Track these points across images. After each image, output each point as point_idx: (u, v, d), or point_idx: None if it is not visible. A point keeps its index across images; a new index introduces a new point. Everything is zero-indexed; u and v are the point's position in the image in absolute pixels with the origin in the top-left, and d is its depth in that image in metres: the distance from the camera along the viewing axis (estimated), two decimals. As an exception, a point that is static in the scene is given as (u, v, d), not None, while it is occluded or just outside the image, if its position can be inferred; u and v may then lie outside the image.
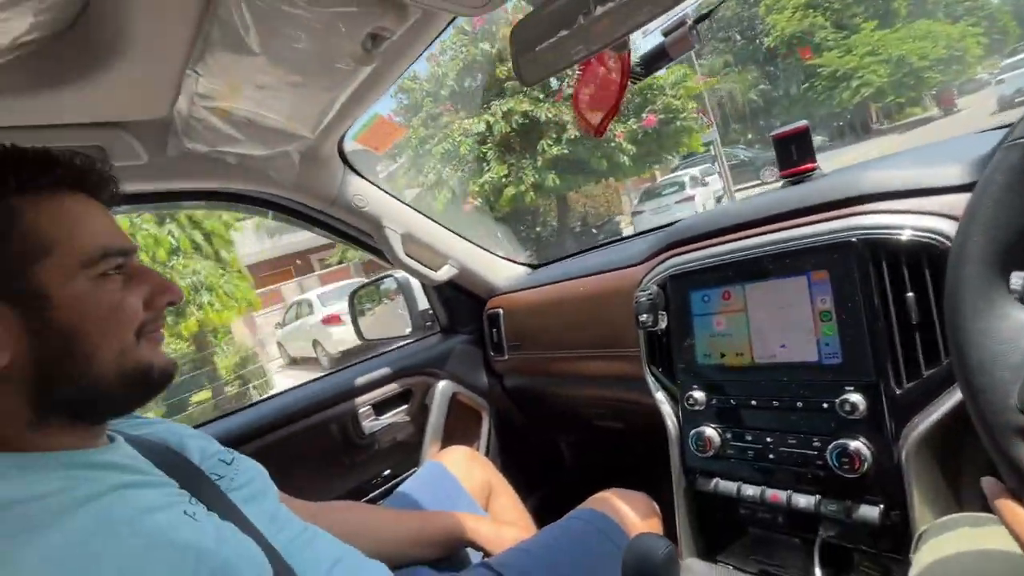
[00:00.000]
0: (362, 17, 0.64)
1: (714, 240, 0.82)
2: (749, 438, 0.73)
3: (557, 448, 1.53)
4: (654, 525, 0.84)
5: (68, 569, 0.39)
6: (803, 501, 0.67)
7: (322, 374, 1.28)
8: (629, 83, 0.70)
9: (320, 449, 1.16)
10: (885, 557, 0.66)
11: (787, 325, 0.70)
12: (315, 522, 0.70)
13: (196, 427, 1.06)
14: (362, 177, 1.14)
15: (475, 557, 0.92)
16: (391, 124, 1.06)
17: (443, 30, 0.74)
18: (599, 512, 0.82)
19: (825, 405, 0.65)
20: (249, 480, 0.65)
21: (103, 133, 0.78)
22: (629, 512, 0.83)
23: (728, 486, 0.75)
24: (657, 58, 0.71)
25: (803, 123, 0.80)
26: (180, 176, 0.93)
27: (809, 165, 0.80)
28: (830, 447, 0.63)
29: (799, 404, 0.68)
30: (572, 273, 1.19)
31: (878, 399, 0.61)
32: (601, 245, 1.43)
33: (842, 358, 0.65)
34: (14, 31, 0.54)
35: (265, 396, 1.20)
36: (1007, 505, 0.36)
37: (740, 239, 0.77)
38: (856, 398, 0.62)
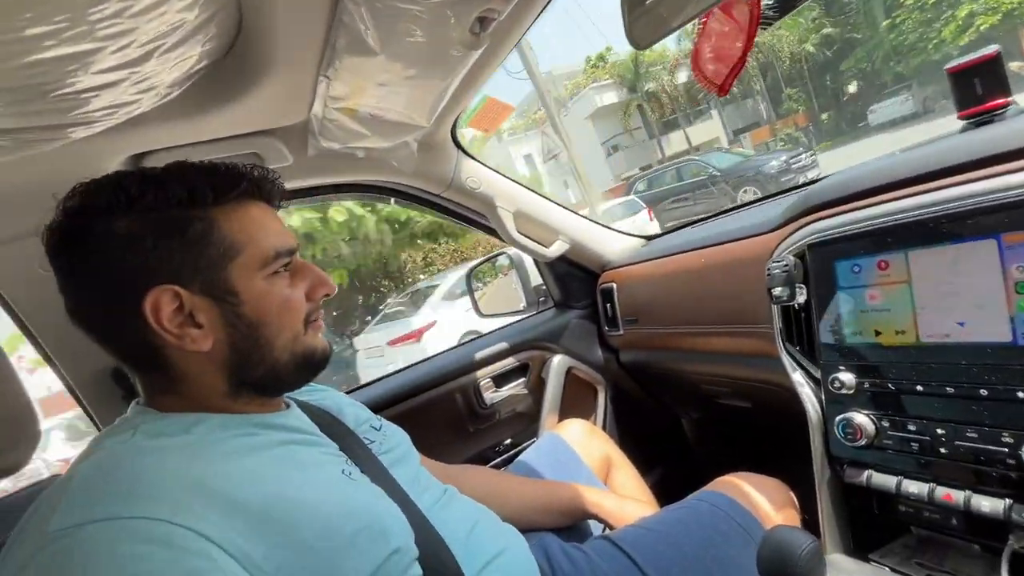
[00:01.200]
0: (469, 2, 0.64)
1: (869, 200, 0.70)
2: (912, 428, 0.63)
3: (678, 425, 1.48)
4: (790, 516, 0.78)
5: (251, 486, 0.47)
6: (988, 505, 0.57)
7: (447, 348, 1.37)
8: (760, 30, 0.62)
9: (447, 417, 1.25)
10: None
11: (968, 298, 0.59)
12: (451, 483, 0.75)
13: (348, 392, 1.22)
14: (474, 159, 1.17)
15: (595, 528, 0.93)
16: (500, 104, 1.07)
17: (546, 6, 0.71)
18: (729, 497, 0.78)
19: (1021, 394, 0.54)
20: (396, 445, 0.72)
21: (257, 141, 0.90)
22: (762, 500, 0.77)
23: (885, 480, 0.66)
24: (794, -3, 0.62)
25: (993, 48, 0.65)
26: (318, 173, 1.04)
27: (1001, 100, 0.65)
28: None
29: (983, 392, 0.57)
30: (692, 244, 1.12)
31: None
32: (728, 210, 1.31)
33: None
34: (188, 61, 0.64)
35: (399, 368, 1.31)
36: None
37: (904, 198, 0.66)
38: None
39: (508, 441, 1.34)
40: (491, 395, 1.29)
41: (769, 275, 0.78)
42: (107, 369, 0.89)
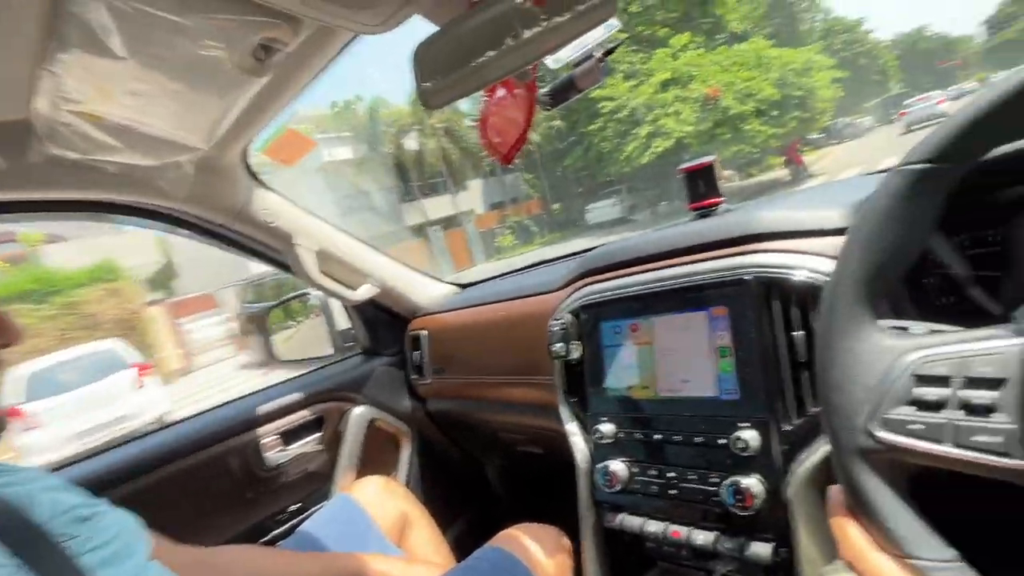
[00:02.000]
0: (247, 27, 0.59)
1: (626, 270, 0.82)
2: (653, 472, 0.73)
3: (482, 474, 1.49)
4: (562, 562, 0.82)
5: None
6: (701, 538, 0.67)
7: (224, 401, 1.18)
8: (536, 111, 0.69)
9: (216, 485, 1.06)
10: None
11: (689, 360, 0.71)
12: (200, 570, 0.64)
13: (69, 465, 0.95)
14: (271, 190, 1.07)
15: None
16: (302, 137, 1.00)
17: (345, 46, 0.70)
18: (506, 551, 0.79)
19: (722, 441, 0.65)
20: (113, 537, 0.57)
21: None
22: (537, 550, 0.80)
23: (633, 522, 0.74)
24: (565, 89, 0.71)
25: (711, 157, 0.82)
26: (49, 185, 0.83)
27: (715, 200, 0.82)
28: (725, 483, 0.64)
29: (698, 439, 0.68)
30: (497, 295, 1.17)
31: (769, 436, 0.62)
32: (533, 266, 1.41)
33: (739, 394, 0.65)
34: None
35: (155, 427, 1.08)
36: (839, 522, 0.38)
37: (649, 271, 0.78)
38: (749, 434, 0.63)
39: (295, 507, 1.18)
40: (276, 454, 1.14)
41: (550, 331, 0.84)
42: None
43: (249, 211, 1.03)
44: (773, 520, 0.62)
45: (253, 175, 1.02)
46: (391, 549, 0.96)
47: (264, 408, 1.13)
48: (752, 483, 0.62)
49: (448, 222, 19.19)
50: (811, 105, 15.03)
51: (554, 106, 0.70)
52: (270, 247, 1.12)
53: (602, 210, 18.22)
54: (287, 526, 1.15)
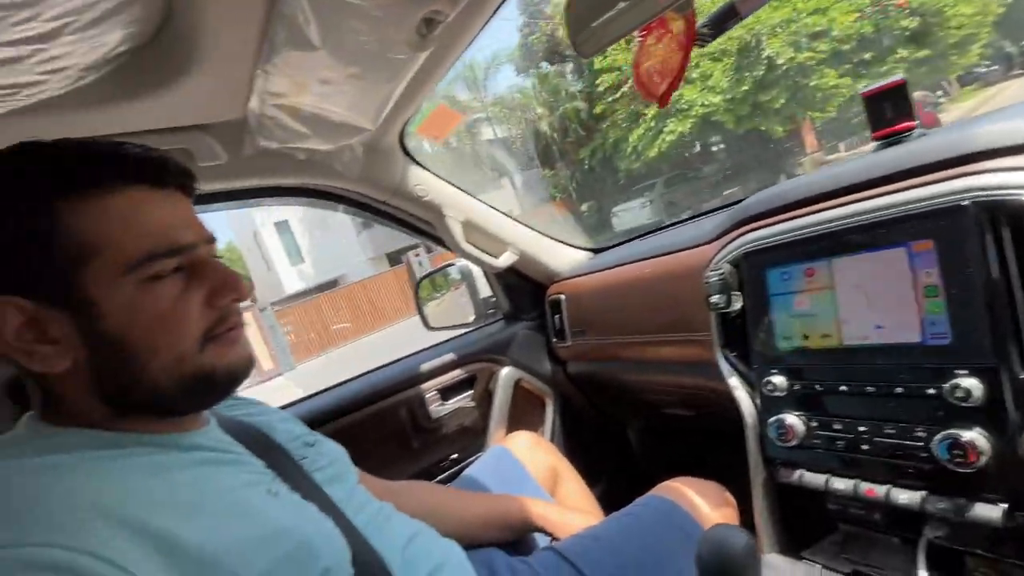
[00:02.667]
0: (415, 2, 0.64)
1: (795, 212, 0.75)
2: (838, 427, 0.67)
3: (624, 436, 1.49)
4: (729, 515, 0.80)
5: (160, 511, 0.42)
6: (905, 497, 0.60)
7: (390, 360, 1.33)
8: (696, 46, 0.65)
9: (390, 432, 1.21)
10: (1008, 563, 0.58)
11: (884, 303, 0.63)
12: (392, 499, 0.72)
13: (283, 407, 1.15)
14: (422, 167, 1.16)
15: (542, 541, 0.91)
16: (450, 112, 1.06)
17: (496, 9, 0.72)
18: (669, 500, 0.79)
19: (932, 391, 0.58)
20: (331, 461, 0.68)
21: (187, 136, 0.84)
22: (701, 501, 0.79)
23: (815, 478, 0.69)
24: (726, 17, 0.66)
25: (900, 77, 0.71)
26: (255, 173, 0.99)
27: (908, 124, 0.71)
28: (937, 438, 0.56)
29: (899, 390, 0.61)
30: (636, 255, 1.15)
31: (998, 385, 0.53)
32: (669, 226, 1.36)
33: (953, 339, 0.57)
34: (105, 45, 0.59)
35: (341, 381, 1.25)
36: None
37: (826, 209, 0.70)
38: (971, 383, 0.54)
39: (454, 456, 1.30)
40: (437, 408, 1.26)
41: (706, 283, 0.81)
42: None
43: (406, 187, 1.14)
44: (1003, 479, 0.53)
45: (408, 152, 1.12)
46: (546, 497, 1.01)
47: (426, 366, 1.25)
48: (975, 436, 0.54)
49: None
50: (937, 33, 9.36)
51: (715, 37, 0.66)
52: (423, 220, 1.22)
53: (631, 213, 13.48)
54: (448, 473, 1.27)
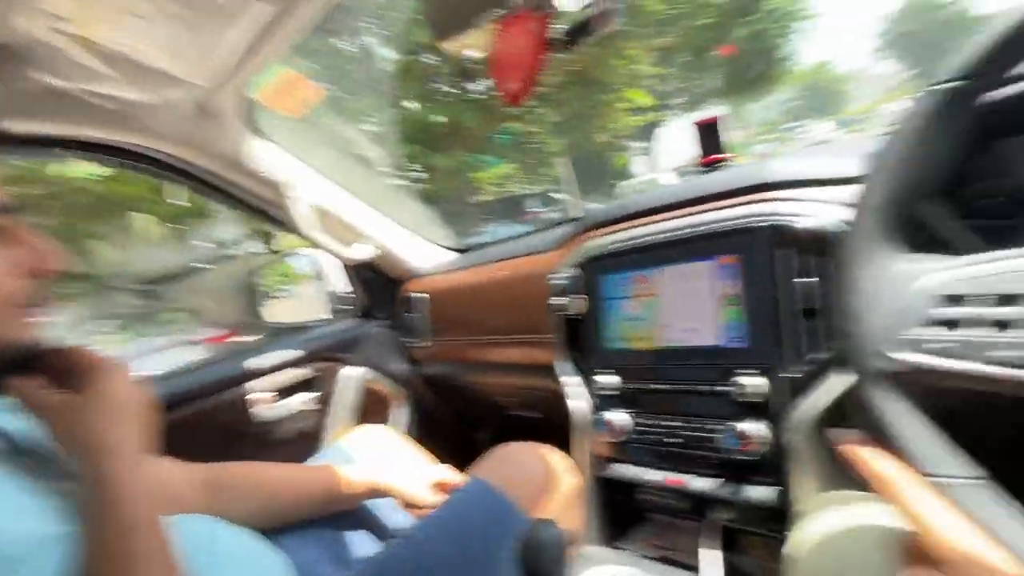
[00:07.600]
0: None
1: (632, 223, 0.81)
2: (654, 422, 0.73)
3: (475, 439, 1.48)
4: (555, 484, 0.75)
5: None
6: (699, 484, 0.67)
7: (214, 356, 1.16)
8: (551, 53, 0.67)
9: (204, 438, 1.04)
10: (774, 538, 0.67)
11: (694, 309, 0.70)
12: (209, 488, 0.69)
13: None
14: (269, 140, 1.04)
15: (389, 511, 0.83)
16: (305, 82, 0.97)
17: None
18: (489, 489, 0.71)
19: (724, 388, 0.65)
20: None
21: None
22: (527, 477, 0.75)
23: (628, 471, 0.74)
24: (581, 30, 0.69)
25: (720, 111, 0.82)
26: (35, 116, 0.79)
27: (726, 155, 0.81)
28: (727, 429, 0.64)
29: (702, 388, 0.68)
30: (498, 256, 1.16)
31: (775, 382, 0.62)
32: (533, 232, 1.40)
33: (749, 342, 0.65)
34: None
35: (160, 372, 1.06)
36: (851, 450, 0.37)
37: (655, 222, 0.77)
38: (756, 381, 0.63)
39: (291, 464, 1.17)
40: (268, 411, 1.12)
41: (551, 286, 0.83)
42: None
43: (245, 160, 1.01)
44: (777, 465, 0.62)
45: (252, 121, 0.99)
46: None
47: (259, 363, 1.11)
48: (754, 427, 0.62)
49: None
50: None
51: (571, 47, 0.68)
52: (265, 200, 1.09)
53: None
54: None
